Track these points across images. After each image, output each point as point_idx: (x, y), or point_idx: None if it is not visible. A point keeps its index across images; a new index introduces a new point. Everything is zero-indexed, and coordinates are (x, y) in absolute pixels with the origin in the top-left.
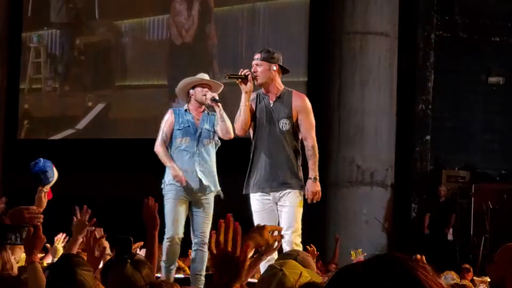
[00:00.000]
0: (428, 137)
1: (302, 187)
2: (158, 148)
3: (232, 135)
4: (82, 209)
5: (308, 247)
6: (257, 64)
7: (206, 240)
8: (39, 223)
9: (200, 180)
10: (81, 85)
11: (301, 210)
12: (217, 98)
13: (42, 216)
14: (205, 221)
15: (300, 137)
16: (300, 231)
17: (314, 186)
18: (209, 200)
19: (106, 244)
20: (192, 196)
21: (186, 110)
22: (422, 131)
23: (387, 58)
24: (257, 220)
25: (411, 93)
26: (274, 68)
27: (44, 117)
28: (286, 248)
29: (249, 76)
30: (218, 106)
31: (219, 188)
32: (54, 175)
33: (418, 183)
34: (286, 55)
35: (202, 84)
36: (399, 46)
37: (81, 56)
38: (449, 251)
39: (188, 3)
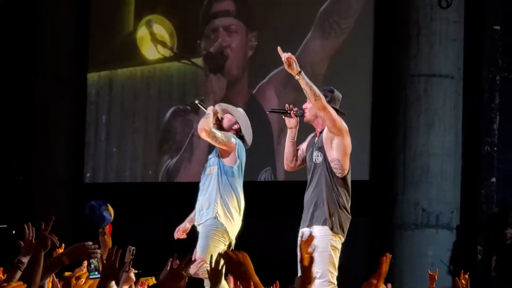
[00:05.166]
0: (493, 179)
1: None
2: None
3: (202, 134)
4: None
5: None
6: (308, 101)
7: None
8: (95, 258)
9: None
10: None
11: (329, 254)
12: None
13: (99, 251)
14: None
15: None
16: (328, 277)
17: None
18: (201, 230)
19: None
20: None
21: None
22: (487, 173)
23: (452, 100)
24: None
25: (476, 135)
26: None
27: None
28: None
29: (292, 112)
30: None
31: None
32: (111, 214)
33: (484, 226)
34: (350, 97)
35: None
36: (464, 88)
37: None
38: None
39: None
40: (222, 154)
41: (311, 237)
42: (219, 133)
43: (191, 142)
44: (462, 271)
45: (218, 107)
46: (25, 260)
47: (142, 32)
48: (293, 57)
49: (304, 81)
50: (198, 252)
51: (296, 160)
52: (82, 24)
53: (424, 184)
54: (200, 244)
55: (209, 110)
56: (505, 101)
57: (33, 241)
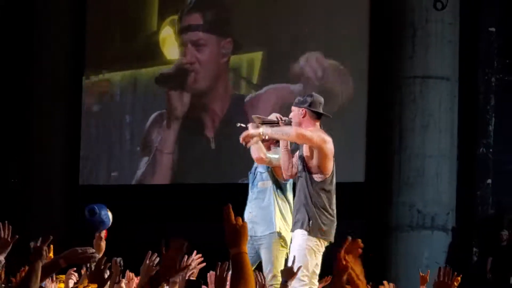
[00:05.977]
0: (489, 181)
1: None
2: None
3: (259, 163)
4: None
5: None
6: (291, 110)
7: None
8: (94, 263)
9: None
10: None
11: (304, 253)
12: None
13: (96, 255)
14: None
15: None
16: (300, 274)
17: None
18: (264, 243)
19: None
20: None
21: None
22: (483, 175)
23: (447, 102)
24: None
25: (472, 137)
26: (301, 112)
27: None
28: None
29: (281, 122)
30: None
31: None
32: (110, 220)
33: (480, 227)
34: (345, 100)
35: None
36: (460, 90)
37: None
38: None
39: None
40: (276, 171)
41: None
42: (274, 156)
43: (155, 157)
44: (456, 273)
45: (255, 118)
46: (1, 258)
47: (165, 32)
48: (246, 133)
49: (269, 133)
50: (265, 267)
51: (293, 167)
52: (79, 26)
53: (420, 186)
54: (266, 260)
55: (252, 130)
56: (500, 103)
57: (9, 239)
